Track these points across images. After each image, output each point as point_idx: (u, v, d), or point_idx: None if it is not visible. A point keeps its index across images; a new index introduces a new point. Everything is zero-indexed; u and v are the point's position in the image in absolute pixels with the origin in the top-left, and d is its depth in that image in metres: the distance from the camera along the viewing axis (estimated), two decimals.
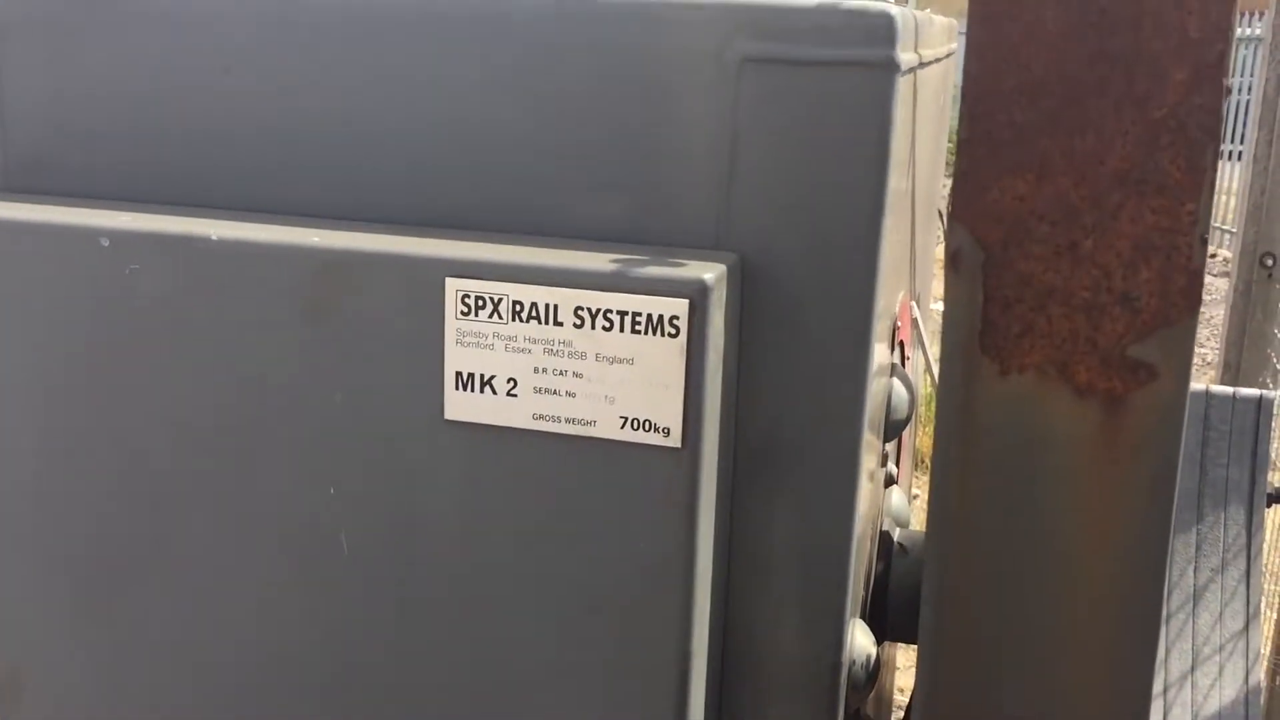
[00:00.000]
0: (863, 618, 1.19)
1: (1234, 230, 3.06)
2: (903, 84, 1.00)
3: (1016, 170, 0.86)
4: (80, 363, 1.09)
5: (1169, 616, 1.92)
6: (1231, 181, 8.06)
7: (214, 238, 1.04)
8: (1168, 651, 1.90)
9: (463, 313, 0.99)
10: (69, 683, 1.18)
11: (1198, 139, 0.81)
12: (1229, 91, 0.80)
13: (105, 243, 1.06)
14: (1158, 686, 1.90)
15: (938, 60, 1.36)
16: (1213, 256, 8.61)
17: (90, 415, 1.10)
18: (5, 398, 1.12)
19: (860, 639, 1.13)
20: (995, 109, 0.85)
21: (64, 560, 1.15)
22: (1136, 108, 0.82)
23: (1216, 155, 0.80)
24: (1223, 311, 3.12)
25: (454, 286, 0.99)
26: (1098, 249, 0.85)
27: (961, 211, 0.87)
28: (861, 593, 1.19)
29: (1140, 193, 0.83)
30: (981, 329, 0.89)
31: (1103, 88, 0.82)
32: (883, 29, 0.97)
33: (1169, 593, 1.92)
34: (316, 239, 1.03)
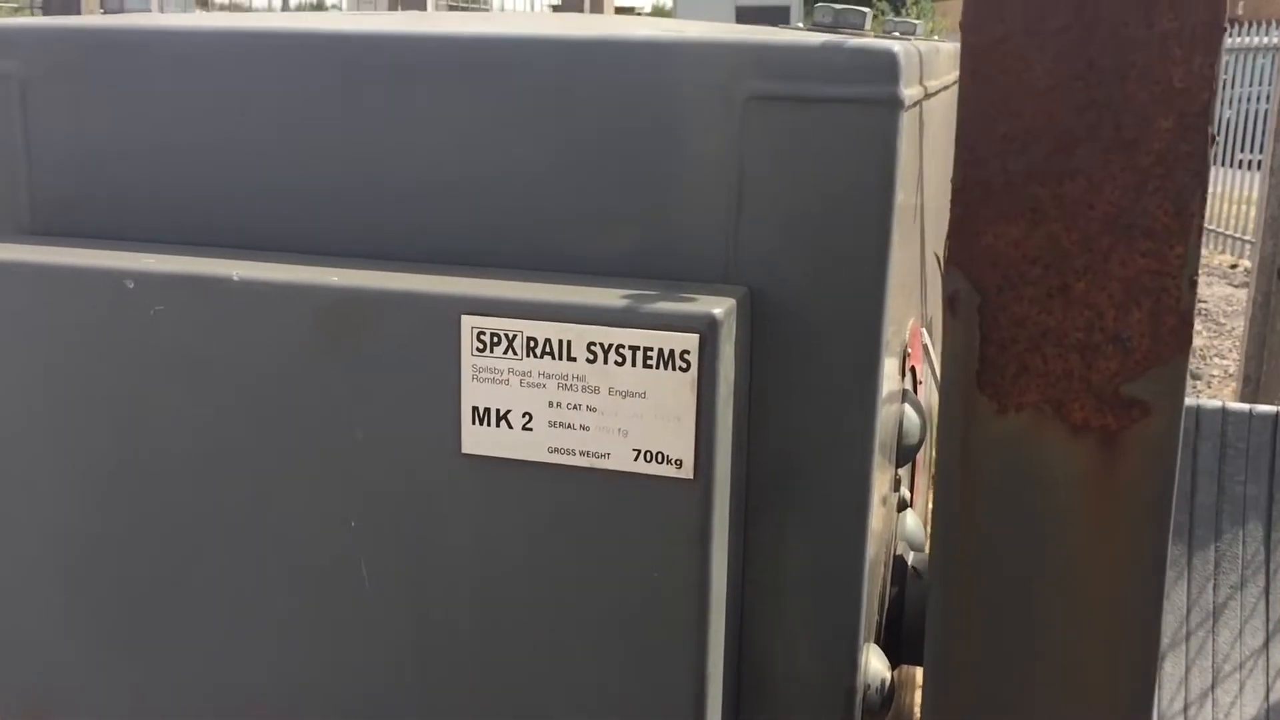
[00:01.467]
0: (877, 642, 1.20)
1: (1254, 241, 3.05)
2: (907, 118, 1.01)
3: (1009, 216, 0.87)
4: (104, 402, 1.11)
5: (1189, 634, 1.92)
6: (1252, 191, 7.96)
7: (235, 278, 1.06)
8: (1188, 669, 1.90)
9: (478, 349, 1.01)
10: (92, 711, 1.19)
11: (1185, 184, 0.82)
12: (1214, 139, 0.82)
13: (130, 284, 1.08)
14: (1179, 704, 1.90)
15: (945, 88, 1.37)
16: (1233, 268, 8.53)
17: (114, 452, 1.12)
18: (31, 436, 1.15)
19: (875, 663, 1.14)
20: (987, 157, 0.87)
21: (88, 591, 1.17)
22: (1124, 154, 0.83)
23: (1204, 200, 0.81)
24: (1243, 323, 3.11)
25: (470, 324, 1.01)
26: (1090, 291, 0.86)
27: (957, 256, 0.89)
28: (876, 617, 1.20)
29: (1129, 237, 0.84)
30: (979, 369, 0.90)
31: (1091, 135, 0.84)
32: (886, 67, 0.98)
33: (1189, 610, 1.93)
34: (335, 278, 1.05)
